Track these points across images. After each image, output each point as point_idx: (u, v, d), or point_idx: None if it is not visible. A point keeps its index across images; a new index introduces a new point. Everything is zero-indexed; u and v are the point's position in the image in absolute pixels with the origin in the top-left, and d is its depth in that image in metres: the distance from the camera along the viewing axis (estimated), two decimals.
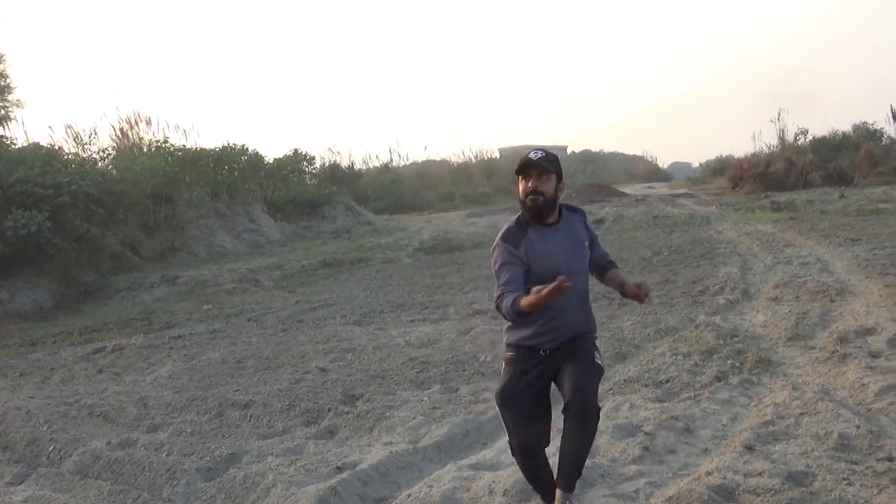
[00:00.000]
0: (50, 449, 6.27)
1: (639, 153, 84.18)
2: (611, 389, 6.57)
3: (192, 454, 5.82)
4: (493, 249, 3.94)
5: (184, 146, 26.18)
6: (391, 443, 5.68)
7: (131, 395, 7.69)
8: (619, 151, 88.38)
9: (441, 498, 4.60)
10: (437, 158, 58.89)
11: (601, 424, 5.60)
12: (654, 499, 4.41)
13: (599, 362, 4.02)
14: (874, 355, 6.99)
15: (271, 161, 31.11)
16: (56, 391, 8.24)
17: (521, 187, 3.94)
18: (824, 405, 5.62)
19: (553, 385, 4.05)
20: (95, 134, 24.27)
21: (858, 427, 5.13)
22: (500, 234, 3.97)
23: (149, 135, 26.39)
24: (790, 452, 4.85)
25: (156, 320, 12.74)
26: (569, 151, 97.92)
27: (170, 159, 23.14)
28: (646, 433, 5.36)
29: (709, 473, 4.56)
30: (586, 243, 4.05)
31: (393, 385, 7.32)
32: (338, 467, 5.23)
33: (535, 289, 3.52)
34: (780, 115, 45.43)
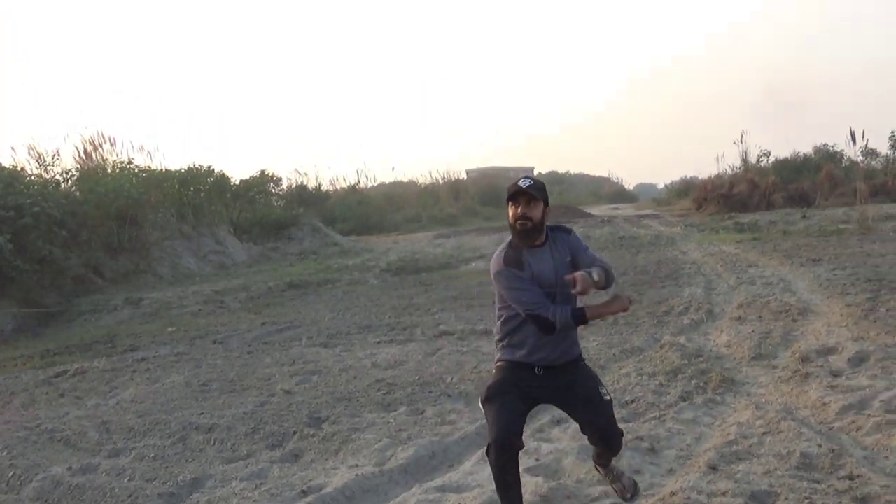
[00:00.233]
0: (10, 475, 6.15)
1: (605, 174, 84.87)
2: None
3: (155, 479, 5.74)
4: (498, 275, 4.14)
5: (149, 167, 25.98)
6: (357, 465, 5.65)
7: (93, 419, 7.58)
8: (586, 173, 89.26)
9: None
10: (405, 180, 58.96)
11: (565, 445, 5.64)
12: None
13: (608, 398, 4.28)
14: (835, 374, 7.09)
15: (238, 182, 30.96)
16: (16, 416, 8.10)
17: (510, 213, 4.15)
18: (787, 424, 5.68)
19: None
20: (59, 155, 23.91)
21: (820, 446, 5.19)
22: (499, 261, 4.16)
23: (113, 156, 26.10)
24: (753, 472, 4.89)
25: (119, 343, 12.58)
26: (536, 172, 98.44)
27: (134, 180, 22.93)
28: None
29: (673, 494, 4.59)
30: (568, 259, 4.21)
31: (359, 407, 7.28)
32: (303, 491, 5.19)
33: (593, 307, 3.91)
34: (742, 137, 46.22)
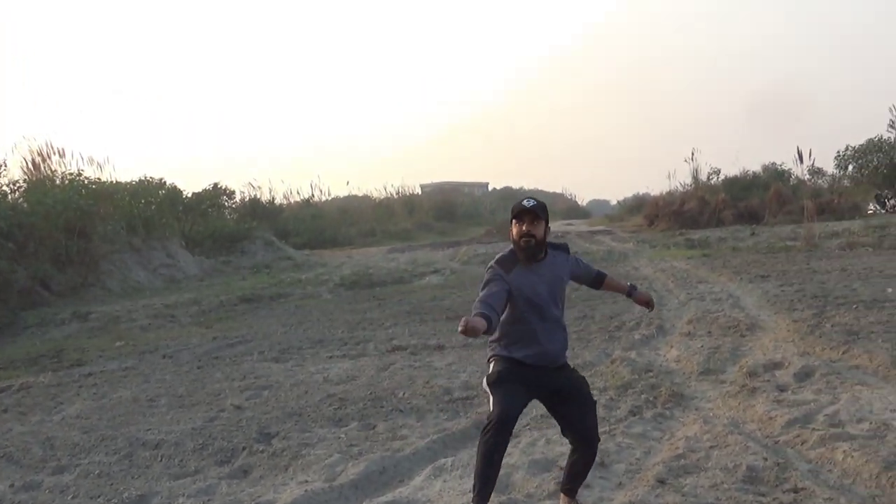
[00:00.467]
0: None
1: (558, 190, 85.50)
2: (527, 425, 6.60)
3: (100, 496, 5.64)
4: (488, 269, 4.50)
5: (99, 179, 25.60)
6: (307, 481, 5.61)
7: (37, 435, 7.42)
8: (539, 188, 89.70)
9: None
10: (359, 194, 58.87)
11: (516, 460, 5.66)
12: None
13: (594, 400, 4.67)
14: (781, 389, 7.22)
15: (190, 195, 30.66)
16: None
17: (515, 230, 4.47)
18: (734, 438, 5.76)
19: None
20: (5, 166, 23.48)
21: (766, 459, 5.27)
22: (497, 258, 4.54)
23: (62, 167, 25.67)
24: (700, 485, 4.95)
25: (66, 357, 12.34)
26: (490, 188, 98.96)
27: (84, 192, 22.56)
28: (561, 468, 5.38)
29: None
30: (565, 278, 4.64)
31: (310, 422, 7.22)
32: None
33: (468, 318, 4.01)
34: (693, 154, 46.75)
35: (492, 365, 4.56)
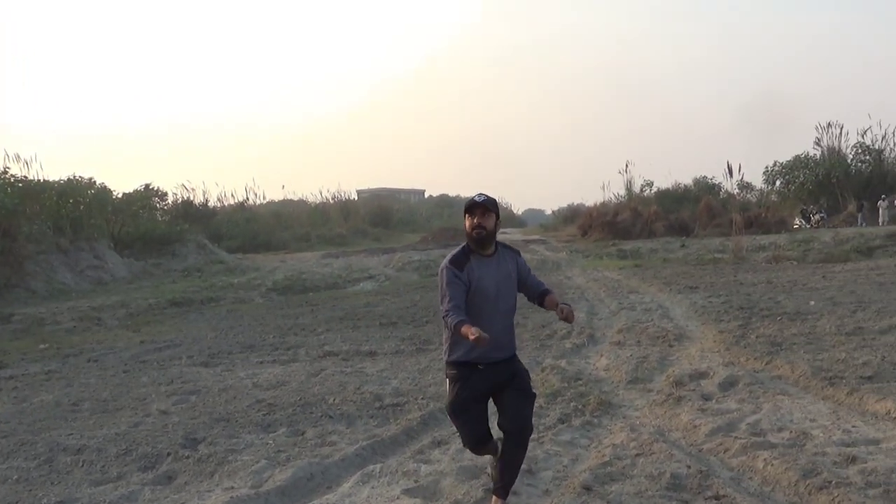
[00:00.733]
0: None
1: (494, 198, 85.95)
2: (457, 432, 6.59)
3: (17, 503, 5.48)
4: (441, 271, 4.72)
5: (25, 177, 24.97)
6: (232, 488, 5.52)
7: None
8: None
9: None
10: (295, 198, 58.52)
11: (444, 466, 5.66)
12: None
13: (534, 391, 4.95)
14: (706, 398, 7.36)
15: (120, 196, 30.08)
16: None
17: (467, 223, 4.75)
18: (659, 446, 5.85)
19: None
20: None
21: (689, 467, 5.36)
22: (447, 259, 4.75)
23: None
24: (625, 493, 5.01)
25: None
26: (426, 195, 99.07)
27: (9, 191, 21.97)
28: (489, 475, 5.41)
29: None
30: (514, 275, 4.86)
31: (237, 428, 7.13)
32: None
33: (473, 329, 4.23)
34: (627, 166, 47.59)
35: (447, 385, 4.82)
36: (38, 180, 25.61)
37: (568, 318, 4.65)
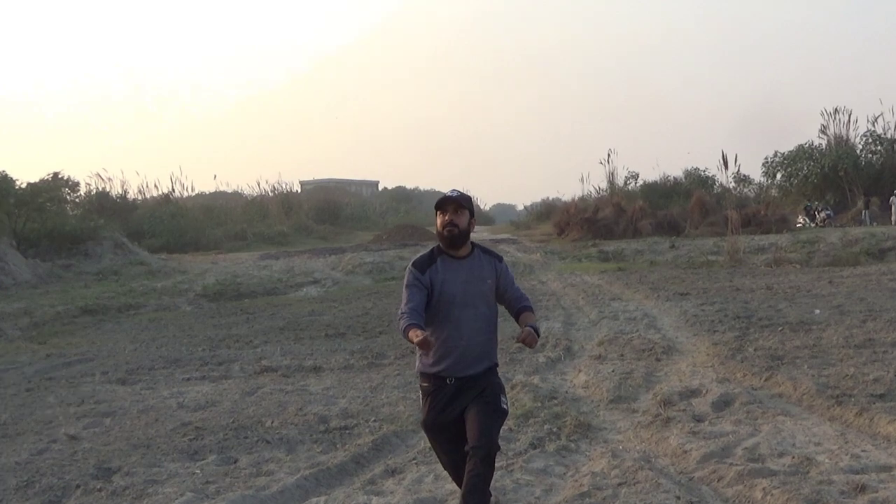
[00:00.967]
0: None
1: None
2: (413, 459, 6.60)
3: None
4: (406, 272, 4.96)
5: None
6: None
7: None
8: (436, 189, 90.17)
9: None
10: (229, 190, 58.15)
11: (400, 498, 5.65)
12: None
13: (504, 406, 5.01)
14: (698, 419, 7.42)
15: (24, 186, 29.60)
16: None
17: (438, 221, 4.92)
18: (644, 474, 5.87)
19: None
20: None
21: (679, 498, 5.39)
22: (413, 259, 4.99)
23: None
24: None
25: None
26: (381, 187, 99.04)
27: None
28: None
29: None
30: (490, 282, 5.01)
31: (159, 455, 7.05)
32: None
33: (418, 332, 4.53)
34: (609, 156, 47.81)
35: (421, 398, 5.07)
36: None
37: (525, 342, 4.77)
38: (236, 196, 56.82)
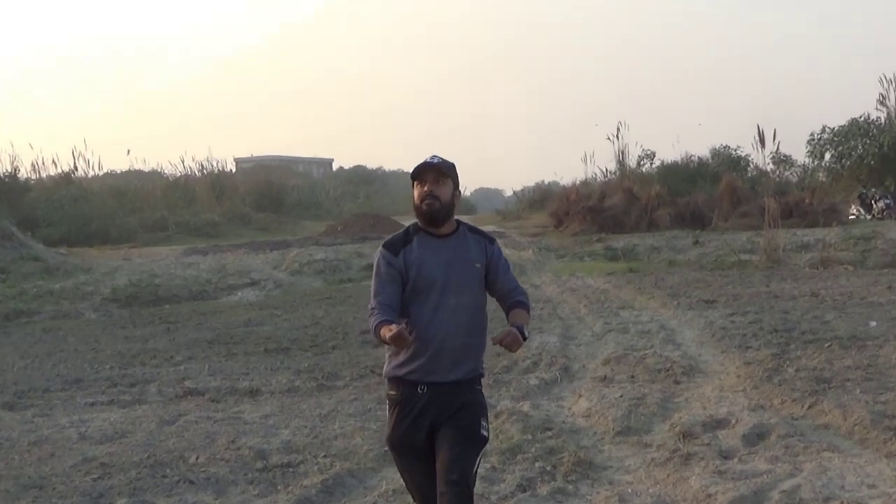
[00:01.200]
0: None
1: None
2: (375, 503, 6.61)
3: None
4: (378, 252, 4.94)
5: None
6: None
7: None
8: (405, 170, 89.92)
9: None
10: (145, 169, 57.81)
11: None
12: None
13: (484, 433, 4.89)
14: (725, 455, 7.44)
15: None
16: None
17: (416, 193, 4.88)
18: None
19: None
20: None
21: None
22: (385, 240, 5.00)
23: None
24: None
25: None
26: (335, 167, 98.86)
27: None
28: None
29: None
30: (478, 265, 4.96)
31: (55, 499, 7.02)
32: None
33: (392, 326, 4.45)
34: (619, 130, 47.50)
35: (387, 409, 4.97)
36: None
37: (504, 343, 4.65)
38: (155, 176, 56.50)
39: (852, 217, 37.97)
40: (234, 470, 7.53)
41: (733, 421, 8.36)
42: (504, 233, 39.52)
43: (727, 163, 46.00)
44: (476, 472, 4.82)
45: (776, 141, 35.00)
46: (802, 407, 8.73)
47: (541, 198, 55.00)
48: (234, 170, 64.95)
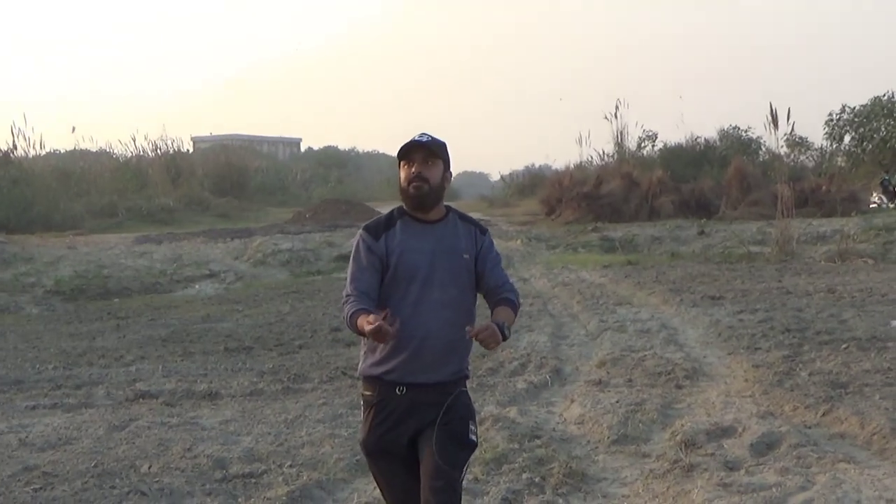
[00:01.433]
0: None
1: None
2: None
3: None
4: (357, 235, 4.94)
5: None
6: None
7: None
8: (381, 151, 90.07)
9: None
10: (93, 148, 57.53)
11: None
12: None
13: (473, 437, 4.94)
14: (731, 466, 7.47)
15: None
16: None
17: (402, 174, 4.88)
18: None
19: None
20: None
21: None
22: (365, 223, 5.00)
23: None
24: None
25: None
26: (303, 148, 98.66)
27: None
28: None
29: None
30: (466, 256, 4.95)
31: None
32: None
33: (371, 318, 4.42)
34: (618, 109, 47.44)
35: (362, 411, 4.98)
36: None
37: (480, 338, 4.60)
38: (104, 156, 56.24)
39: (873, 206, 38.09)
40: (190, 480, 7.53)
41: (740, 429, 8.38)
42: (490, 221, 39.47)
43: (736, 145, 46.10)
44: (463, 480, 4.84)
45: (791, 121, 34.93)
46: (816, 414, 8.78)
47: (531, 183, 55.17)
48: (190, 150, 64.75)
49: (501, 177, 71.67)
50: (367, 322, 4.38)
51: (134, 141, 58.57)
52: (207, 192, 50.47)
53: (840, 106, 46.72)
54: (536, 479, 7.31)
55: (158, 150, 54.54)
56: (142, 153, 54.49)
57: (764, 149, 44.57)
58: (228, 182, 54.27)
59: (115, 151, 57.09)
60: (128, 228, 38.75)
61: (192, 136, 74.30)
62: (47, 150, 52.19)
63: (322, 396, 10.38)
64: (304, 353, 12.94)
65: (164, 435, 8.94)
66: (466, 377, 5.02)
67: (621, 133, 47.03)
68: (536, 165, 63.16)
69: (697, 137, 47.71)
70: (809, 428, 8.45)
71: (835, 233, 26.73)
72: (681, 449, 7.92)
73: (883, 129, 44.53)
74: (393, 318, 4.50)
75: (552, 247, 28.21)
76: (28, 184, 41.65)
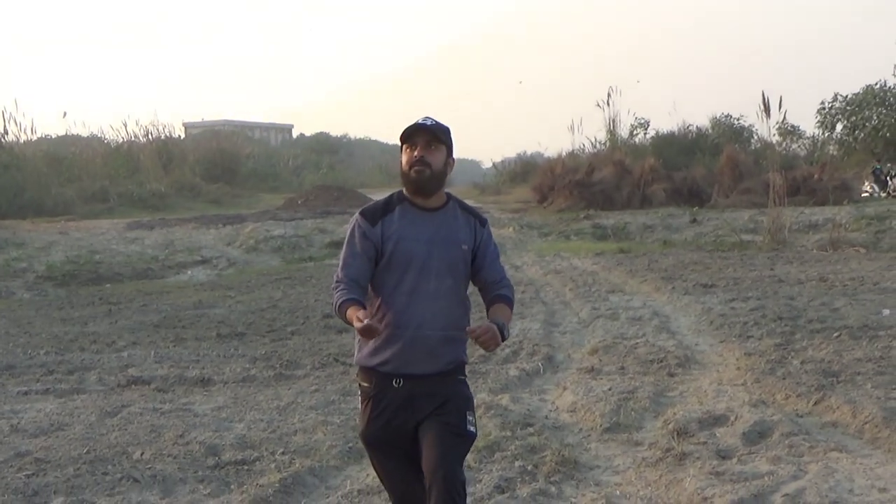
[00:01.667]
0: None
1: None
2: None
3: None
4: (353, 219, 4.92)
5: None
6: None
7: None
8: (373, 138, 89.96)
9: None
10: (84, 133, 57.38)
11: None
12: None
13: (472, 429, 4.89)
14: (723, 455, 7.49)
15: None
16: None
17: (404, 158, 4.83)
18: None
19: None
20: None
21: None
22: (361, 208, 4.99)
23: None
24: None
25: None
26: (295, 134, 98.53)
27: None
28: None
29: None
30: (465, 247, 4.91)
31: None
32: None
33: (361, 313, 4.44)
34: (610, 96, 47.38)
35: (360, 402, 4.96)
36: None
37: (480, 340, 4.60)
38: (95, 142, 56.03)
39: (865, 194, 38.05)
40: (182, 467, 7.52)
41: (732, 417, 8.41)
42: (482, 208, 39.34)
43: (728, 134, 46.13)
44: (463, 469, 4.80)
45: (783, 110, 34.60)
46: (808, 403, 8.80)
47: (523, 170, 55.08)
48: (182, 136, 64.60)
49: (493, 164, 71.52)
50: (356, 318, 4.39)
51: (125, 126, 58.17)
52: (199, 178, 50.33)
53: (832, 94, 46.75)
54: (529, 467, 7.31)
55: (150, 136, 54.45)
56: (133, 139, 54.37)
57: (756, 137, 44.58)
58: (220, 168, 54.15)
59: (107, 137, 56.97)
60: (119, 214, 38.67)
61: (184, 121, 74.10)
62: (38, 135, 52.05)
63: (314, 383, 10.37)
64: (297, 340, 12.93)
65: (156, 421, 8.93)
66: (464, 363, 4.98)
67: (613, 121, 46.99)
68: (528, 153, 63.03)
69: (689, 125, 47.76)
70: (801, 417, 8.47)
71: (827, 221, 26.72)
72: (673, 437, 7.93)
73: (875, 117, 44.54)
74: (382, 312, 4.68)
75: (544, 234, 28.22)
76: (19, 169, 41.54)
